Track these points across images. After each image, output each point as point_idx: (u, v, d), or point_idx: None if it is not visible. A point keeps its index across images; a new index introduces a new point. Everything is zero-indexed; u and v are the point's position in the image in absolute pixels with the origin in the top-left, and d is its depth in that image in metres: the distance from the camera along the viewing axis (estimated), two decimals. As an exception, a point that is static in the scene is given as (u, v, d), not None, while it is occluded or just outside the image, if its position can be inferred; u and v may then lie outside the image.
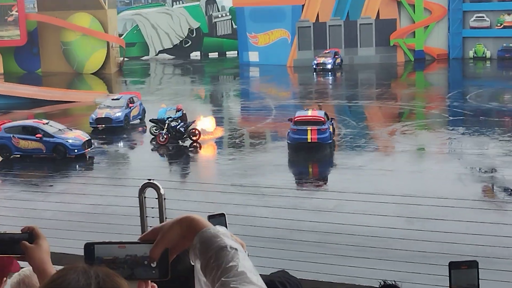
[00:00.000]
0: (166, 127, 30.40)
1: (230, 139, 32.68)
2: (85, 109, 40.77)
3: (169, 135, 30.26)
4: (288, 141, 28.60)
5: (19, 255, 2.59)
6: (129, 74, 62.58)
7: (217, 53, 74.37)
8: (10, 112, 38.37)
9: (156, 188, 8.25)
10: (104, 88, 54.89)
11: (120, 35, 69.32)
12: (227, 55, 73.47)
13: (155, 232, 1.95)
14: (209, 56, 73.79)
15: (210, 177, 24.31)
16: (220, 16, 74.32)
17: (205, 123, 32.44)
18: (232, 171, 25.36)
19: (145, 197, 8.39)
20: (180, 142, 30.63)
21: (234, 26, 70.24)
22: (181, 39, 73.01)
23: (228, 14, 73.43)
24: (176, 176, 23.44)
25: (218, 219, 3.00)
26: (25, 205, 17.81)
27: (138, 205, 8.42)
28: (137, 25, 73.18)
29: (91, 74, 61.43)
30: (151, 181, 8.37)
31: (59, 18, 61.97)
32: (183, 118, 31.11)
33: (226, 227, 3.11)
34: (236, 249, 1.88)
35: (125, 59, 67.18)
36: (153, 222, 8.38)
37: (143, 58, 72.92)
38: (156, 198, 8.27)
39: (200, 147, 30.41)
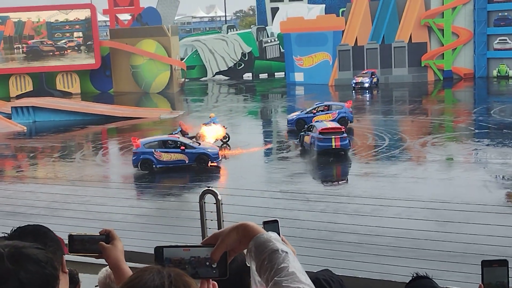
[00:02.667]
0: None
1: (278, 150, 32.71)
2: (151, 124, 41.28)
3: None
4: (315, 149, 29.04)
5: (97, 253, 2.69)
6: (189, 93, 63.05)
7: (266, 74, 74.42)
8: (86, 127, 38.99)
9: (214, 194, 8.36)
10: (168, 105, 55.40)
11: (182, 59, 69.95)
12: (275, 76, 73.46)
13: (215, 237, 2.01)
14: (260, 77, 73.90)
15: (260, 184, 24.33)
16: (269, 41, 74.41)
17: (209, 132, 32.37)
18: (280, 179, 25.37)
19: (204, 202, 8.50)
20: None
21: (282, 50, 70.23)
22: (235, 62, 73.31)
23: (276, 39, 73.50)
24: (231, 184, 23.55)
25: (272, 224, 3.06)
26: (99, 208, 18.10)
27: (199, 209, 8.54)
28: (196, 50, 73.75)
29: (156, 93, 62.09)
30: (210, 188, 8.49)
31: (129, 45, 62.90)
32: (183, 132, 31.62)
33: (279, 231, 3.17)
34: (286, 252, 1.91)
35: (186, 80, 67.78)
36: (211, 224, 8.49)
37: (202, 79, 73.40)
38: (214, 203, 8.38)
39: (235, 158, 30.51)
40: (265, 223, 3.02)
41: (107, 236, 2.69)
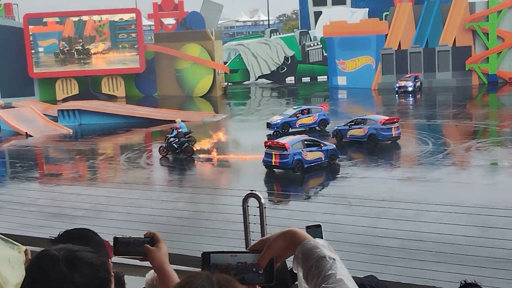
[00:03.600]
0: (165, 142, 32.82)
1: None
2: (194, 127, 41.48)
3: (167, 148, 32.41)
4: (380, 138, 31.82)
5: (142, 256, 2.74)
6: (232, 97, 63.32)
7: (309, 78, 74.29)
8: (130, 130, 39.44)
9: (257, 198, 8.39)
10: (211, 109, 55.73)
11: (225, 63, 70.30)
12: (318, 80, 73.28)
13: (262, 243, 2.01)
14: (302, 81, 73.81)
15: (303, 188, 24.29)
16: (312, 45, 74.29)
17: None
18: (323, 182, 25.29)
19: (248, 206, 8.53)
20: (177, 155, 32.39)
21: (325, 54, 70.06)
22: (277, 66, 73.37)
23: (319, 43, 73.34)
24: (274, 187, 23.56)
25: (315, 229, 3.07)
26: (142, 211, 18.31)
27: (242, 213, 8.58)
28: (239, 54, 74.03)
29: (199, 97, 62.51)
30: (253, 191, 8.52)
31: (173, 49, 63.47)
32: (178, 135, 32.72)
33: (322, 236, 3.19)
34: (334, 259, 1.89)
35: (229, 83, 68.08)
36: (254, 228, 8.52)
37: (245, 82, 73.63)
38: (257, 207, 8.40)
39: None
40: (308, 227, 3.03)
41: (152, 239, 2.71)
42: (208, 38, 63.19)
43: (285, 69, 73.59)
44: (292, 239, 1.98)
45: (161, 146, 33.20)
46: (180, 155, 32.51)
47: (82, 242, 2.61)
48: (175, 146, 32.48)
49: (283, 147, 27.39)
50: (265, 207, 8.24)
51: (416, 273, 11.34)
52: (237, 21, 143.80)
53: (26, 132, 41.94)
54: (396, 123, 33.00)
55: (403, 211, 19.09)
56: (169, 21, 73.36)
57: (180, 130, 33.07)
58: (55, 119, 46.18)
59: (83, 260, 2.01)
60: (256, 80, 73.56)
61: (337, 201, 21.38)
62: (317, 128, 38.45)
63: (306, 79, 73.96)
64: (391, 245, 14.07)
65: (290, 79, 74.08)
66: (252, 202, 8.39)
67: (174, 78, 64.44)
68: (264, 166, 27.69)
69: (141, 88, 65.97)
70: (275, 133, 37.08)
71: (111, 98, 62.43)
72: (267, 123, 38.39)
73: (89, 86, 65.01)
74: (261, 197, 8.24)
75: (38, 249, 2.22)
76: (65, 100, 59.92)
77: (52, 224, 15.76)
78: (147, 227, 13.09)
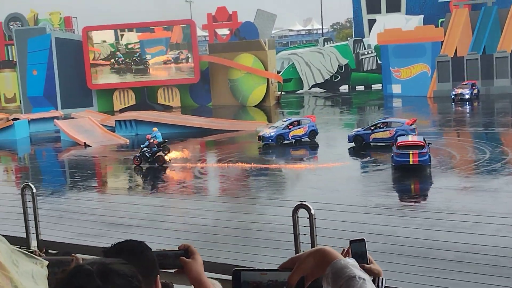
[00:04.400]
0: (139, 151, 34.23)
1: (375, 162, 32.22)
2: (248, 137, 41.72)
3: (141, 158, 33.79)
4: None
5: (178, 268, 2.75)
6: (286, 106, 63.36)
7: (363, 86, 73.83)
8: (185, 140, 39.86)
9: (307, 209, 8.34)
10: (264, 118, 55.85)
11: (278, 72, 70.47)
12: (372, 88, 72.76)
13: (293, 261, 2.00)
14: (356, 89, 73.39)
15: (355, 198, 24.05)
16: (366, 53, 73.85)
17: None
18: (376, 192, 25.00)
19: (297, 217, 8.49)
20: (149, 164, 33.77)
21: (379, 62, 69.53)
22: (331, 75, 73.15)
23: (373, 51, 72.83)
24: (325, 197, 23.42)
25: (359, 243, 3.01)
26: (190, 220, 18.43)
27: (292, 224, 8.54)
28: (293, 63, 74.11)
29: (253, 106, 62.79)
30: (303, 202, 8.48)
31: (227, 59, 63.97)
32: (150, 145, 34.08)
33: (366, 250, 3.12)
34: (364, 279, 1.87)
35: (283, 93, 68.19)
36: (304, 239, 8.48)
37: (298, 92, 73.65)
38: (308, 218, 8.35)
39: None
40: (351, 242, 2.98)
41: (186, 251, 2.75)
42: (262, 48, 63.45)
43: (339, 77, 73.30)
44: (322, 257, 1.96)
45: (135, 156, 34.44)
46: (154, 164, 33.75)
47: (132, 256, 2.63)
48: (147, 155, 33.87)
49: (421, 145, 28.34)
50: (315, 218, 8.19)
51: (472, 286, 11.07)
52: (290, 30, 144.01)
53: (84, 142, 42.85)
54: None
55: (459, 222, 18.69)
56: (223, 31, 74.03)
57: (152, 140, 34.33)
58: (112, 129, 47.03)
59: (116, 272, 2.04)
60: (310, 89, 73.47)
61: (391, 211, 21.09)
62: (307, 139, 38.95)
63: (360, 88, 73.51)
64: (447, 257, 13.78)
65: (344, 88, 73.74)
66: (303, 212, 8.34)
67: (228, 88, 64.91)
68: (393, 167, 28.64)
69: (196, 98, 66.68)
70: (265, 145, 37.77)
71: (167, 108, 63.30)
72: (259, 136, 38.58)
73: (146, 96, 66.05)
74: (311, 208, 8.19)
75: (94, 258, 2.25)
76: (122, 110, 61.08)
77: (109, 233, 16.04)
78: (199, 237, 13.18)
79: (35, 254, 4.77)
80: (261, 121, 53.04)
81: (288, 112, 59.21)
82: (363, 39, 75.88)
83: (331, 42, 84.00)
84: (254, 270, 2.03)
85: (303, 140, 38.71)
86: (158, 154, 33.88)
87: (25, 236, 11.46)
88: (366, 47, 74.25)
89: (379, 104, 60.80)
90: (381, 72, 66.38)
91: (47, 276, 2.28)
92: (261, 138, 38.25)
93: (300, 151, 37.01)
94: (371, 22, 78.22)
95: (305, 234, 8.37)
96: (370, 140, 35.59)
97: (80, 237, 12.76)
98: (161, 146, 34.37)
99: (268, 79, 63.63)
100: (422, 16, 72.60)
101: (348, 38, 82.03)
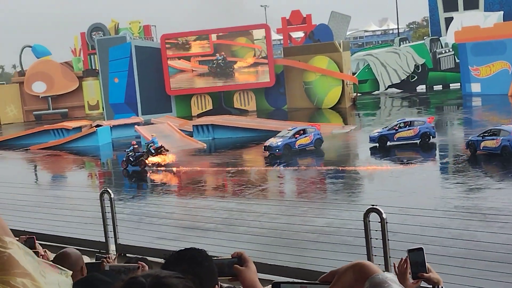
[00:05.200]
0: (125, 156, 37.06)
1: (454, 164, 31.47)
2: (323, 139, 41.33)
3: (126, 162, 36.70)
4: None
5: (232, 276, 2.76)
6: (361, 108, 62.68)
7: (441, 86, 72.20)
8: (261, 143, 39.96)
9: (379, 213, 8.22)
10: (340, 120, 55.46)
11: (354, 74, 69.86)
12: (450, 87, 71.07)
13: (332, 275, 1.99)
14: (434, 89, 71.84)
15: (432, 200, 23.46)
16: (443, 52, 72.18)
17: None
18: (456, 194, 24.37)
19: (369, 221, 8.37)
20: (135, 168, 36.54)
21: (457, 61, 67.85)
22: (408, 75, 71.91)
23: (451, 50, 71.11)
24: (400, 200, 22.97)
25: (417, 252, 2.94)
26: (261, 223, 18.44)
27: (363, 228, 8.43)
28: (368, 64, 73.29)
29: (328, 108, 62.44)
30: (374, 206, 8.35)
31: (302, 62, 63.89)
32: (134, 150, 37.00)
33: (425, 259, 3.04)
34: None
35: (358, 94, 67.52)
36: (376, 243, 8.35)
37: (374, 93, 72.74)
38: (379, 222, 8.23)
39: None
40: (409, 251, 2.91)
41: (239, 259, 2.75)
42: (336, 50, 63.06)
43: (416, 77, 71.96)
44: (361, 272, 1.94)
45: (123, 160, 37.26)
46: (137, 167, 36.63)
47: (192, 265, 2.65)
48: (131, 159, 36.73)
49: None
50: (386, 222, 8.06)
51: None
52: (366, 31, 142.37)
53: (163, 147, 43.64)
54: None
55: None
56: (298, 34, 73.95)
57: (136, 146, 37.25)
58: (190, 134, 47.79)
59: (169, 287, 2.05)
60: (386, 89, 72.45)
61: (471, 214, 20.48)
62: (313, 147, 38.63)
63: (438, 87, 71.91)
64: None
65: (421, 88, 72.33)
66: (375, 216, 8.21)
67: (303, 90, 64.80)
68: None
69: (271, 102, 66.87)
70: (270, 155, 37.37)
71: (243, 112, 63.78)
72: (265, 146, 38.02)
73: (222, 101, 66.77)
74: (383, 212, 8.06)
75: (150, 270, 2.28)
76: (199, 115, 61.98)
77: (185, 237, 16.26)
78: (272, 241, 13.18)
79: (102, 255, 4.88)
80: (336, 123, 52.69)
81: (364, 113, 58.56)
82: (440, 38, 74.23)
83: (407, 41, 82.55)
84: (294, 283, 2.03)
85: (307, 149, 38.39)
86: (140, 158, 36.82)
87: (104, 240, 11.80)
88: (443, 46, 72.59)
89: (458, 103, 59.31)
90: (459, 71, 64.75)
91: (71, 285, 2.37)
92: (267, 148, 37.86)
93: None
94: (448, 20, 76.45)
95: (376, 239, 8.25)
96: (395, 139, 36.70)
97: (157, 241, 13.02)
98: (159, 150, 37.70)
99: (343, 81, 63.14)
100: (501, 13, 70.39)
101: (425, 37, 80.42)
